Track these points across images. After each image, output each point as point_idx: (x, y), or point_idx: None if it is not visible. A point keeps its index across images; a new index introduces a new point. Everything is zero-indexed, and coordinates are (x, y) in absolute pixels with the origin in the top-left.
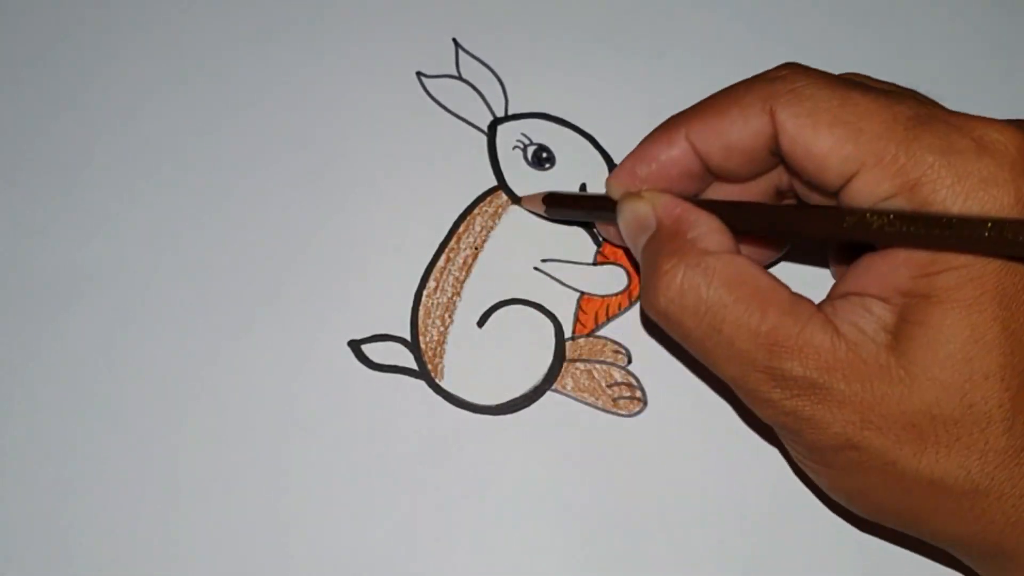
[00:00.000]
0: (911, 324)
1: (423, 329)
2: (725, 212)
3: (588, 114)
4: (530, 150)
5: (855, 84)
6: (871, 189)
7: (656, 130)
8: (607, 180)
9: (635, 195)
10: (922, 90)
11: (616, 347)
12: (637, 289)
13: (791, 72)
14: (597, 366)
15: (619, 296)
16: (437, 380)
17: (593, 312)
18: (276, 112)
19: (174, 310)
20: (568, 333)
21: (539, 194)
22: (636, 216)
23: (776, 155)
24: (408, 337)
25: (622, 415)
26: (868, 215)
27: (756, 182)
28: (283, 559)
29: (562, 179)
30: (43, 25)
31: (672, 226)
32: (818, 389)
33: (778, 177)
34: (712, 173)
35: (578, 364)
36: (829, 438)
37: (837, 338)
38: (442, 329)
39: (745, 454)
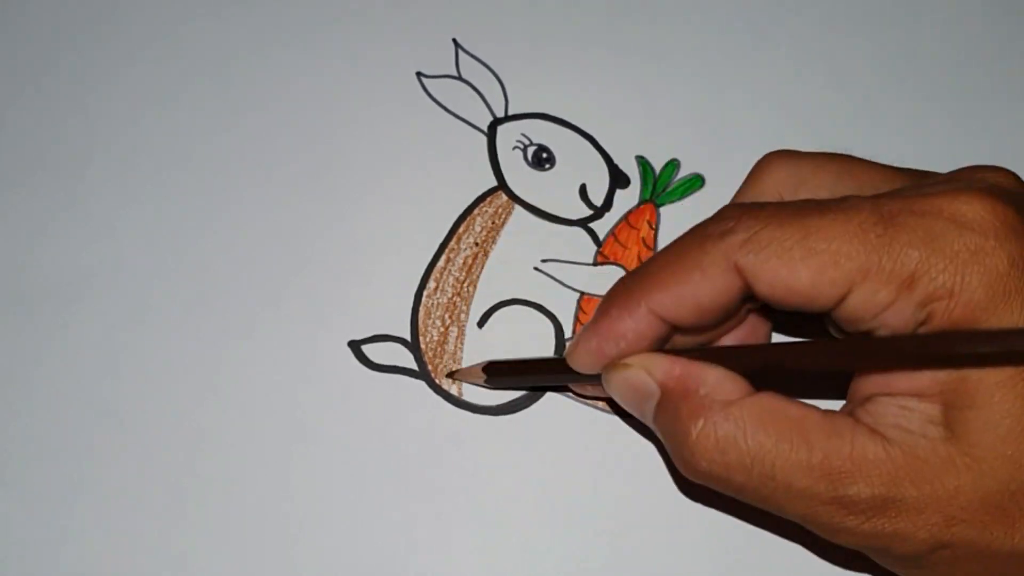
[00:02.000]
0: (960, 410)
1: (423, 329)
2: (725, 359)
3: (588, 114)
4: (530, 150)
5: (805, 207)
6: (869, 302)
7: (612, 304)
8: (568, 357)
9: (621, 364)
10: (923, 90)
11: None
12: None
13: (738, 220)
14: None
15: None
16: (437, 380)
17: (593, 312)
18: (276, 112)
19: (174, 310)
20: (568, 333)
21: (477, 366)
22: (632, 385)
23: (748, 299)
24: (408, 337)
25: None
26: (900, 341)
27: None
28: (283, 559)
29: (562, 179)
30: (46, 28)
31: (679, 387)
32: (891, 503)
33: (745, 309)
34: (679, 331)
35: None
36: (918, 545)
37: (889, 446)
38: (442, 329)
39: None
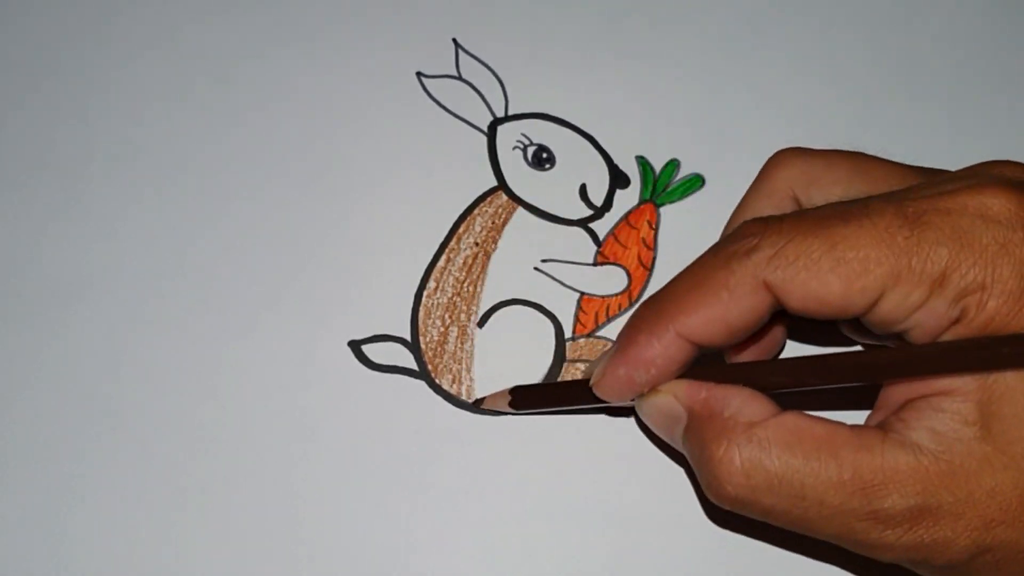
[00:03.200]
0: (995, 407)
1: (423, 329)
2: (753, 377)
3: (588, 114)
4: (530, 150)
5: (827, 215)
6: (902, 304)
7: (638, 331)
8: (597, 387)
9: (651, 392)
10: (923, 90)
11: None
12: (637, 289)
13: (761, 235)
14: None
15: (619, 296)
16: (437, 380)
17: (593, 312)
18: (276, 113)
19: (174, 310)
20: (568, 333)
21: (503, 392)
22: (662, 412)
23: (780, 313)
24: (408, 337)
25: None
26: (936, 349)
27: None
28: (283, 558)
29: (562, 179)
30: (47, 28)
31: (705, 410)
32: (928, 511)
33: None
34: (710, 349)
35: (578, 364)
36: (959, 553)
37: (920, 453)
38: (442, 329)
39: None
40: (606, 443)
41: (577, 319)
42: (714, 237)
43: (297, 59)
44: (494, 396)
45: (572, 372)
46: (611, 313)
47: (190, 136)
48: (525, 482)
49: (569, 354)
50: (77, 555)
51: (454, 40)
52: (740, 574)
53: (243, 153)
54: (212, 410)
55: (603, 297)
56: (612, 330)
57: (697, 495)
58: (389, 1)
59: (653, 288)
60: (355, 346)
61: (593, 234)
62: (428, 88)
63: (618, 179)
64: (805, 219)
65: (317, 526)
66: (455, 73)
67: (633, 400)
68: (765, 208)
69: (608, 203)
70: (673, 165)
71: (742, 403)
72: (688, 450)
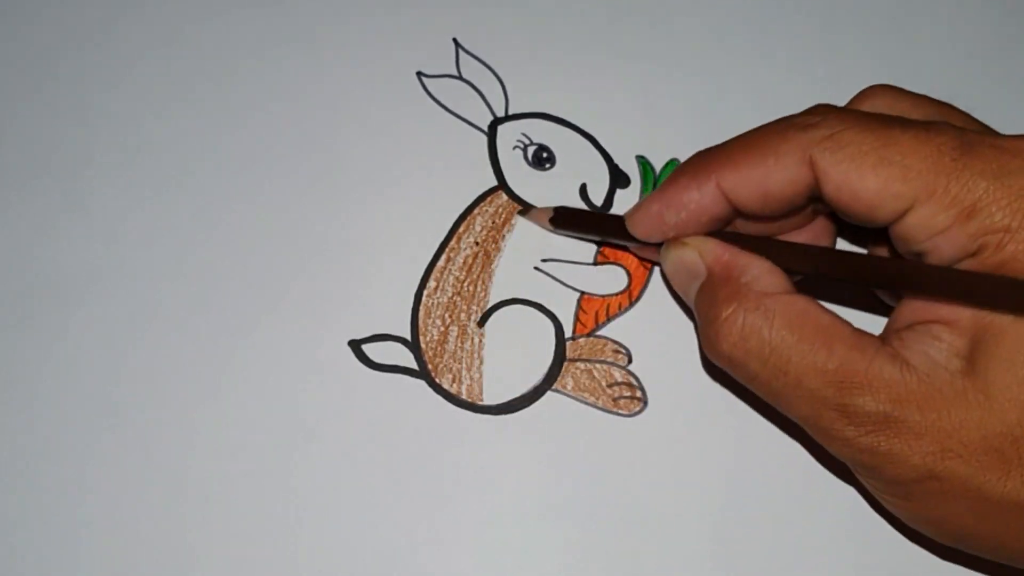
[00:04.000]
0: (986, 345)
1: (423, 329)
2: (775, 253)
3: (588, 114)
4: (530, 150)
5: (892, 120)
6: (926, 223)
7: (682, 174)
8: (628, 219)
9: (679, 242)
10: (923, 90)
11: (616, 347)
12: (637, 289)
13: (825, 117)
14: (597, 366)
15: (619, 296)
16: (437, 380)
17: (593, 312)
18: (276, 112)
19: (175, 310)
20: (568, 333)
21: (546, 209)
22: (684, 264)
23: (815, 198)
24: (408, 337)
25: (622, 415)
26: (956, 274)
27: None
28: (282, 558)
29: (562, 179)
30: (48, 28)
31: (724, 272)
32: (893, 422)
33: (811, 207)
34: (742, 216)
35: (578, 364)
36: (909, 470)
37: (907, 369)
38: (442, 328)
39: (746, 454)
40: (606, 443)
41: (577, 318)
42: None
43: (297, 59)
44: (538, 211)
45: (572, 372)
46: (611, 312)
47: (190, 136)
48: (525, 482)
49: (569, 353)
50: (78, 554)
51: (454, 40)
52: (740, 572)
53: (243, 153)
54: (212, 409)
55: (603, 296)
56: (612, 330)
57: (701, 358)
58: (389, 1)
59: (653, 288)
60: (355, 346)
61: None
62: (428, 88)
63: (618, 179)
64: (871, 117)
65: (317, 525)
66: (455, 73)
67: (662, 248)
68: None
69: (608, 203)
70: (673, 165)
71: (760, 273)
72: (698, 306)
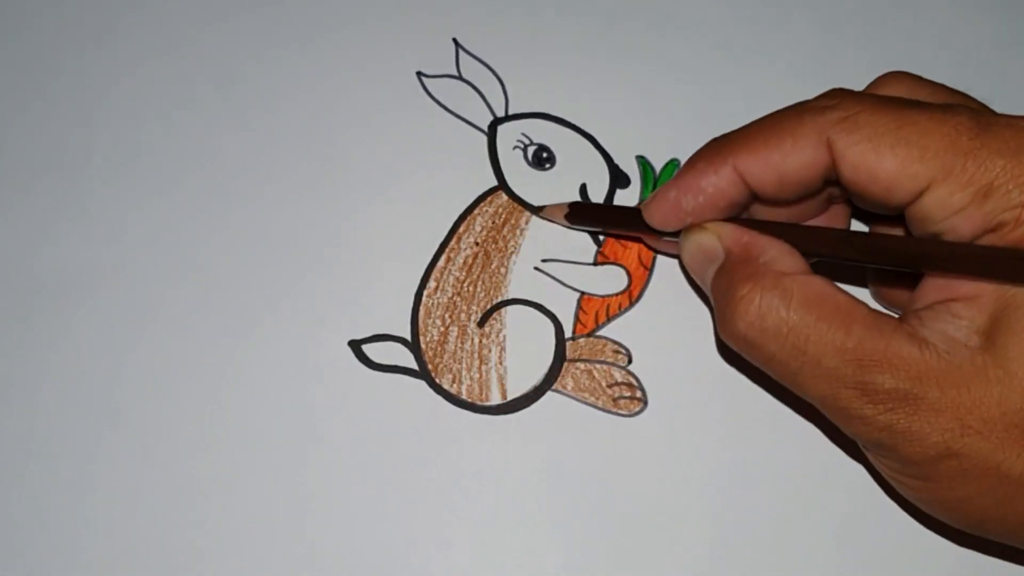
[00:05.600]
0: (1006, 321)
1: (423, 329)
2: (793, 236)
3: (588, 114)
4: (530, 150)
5: (908, 102)
6: (943, 202)
7: (699, 159)
8: (645, 209)
9: (698, 227)
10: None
11: (616, 347)
12: (637, 289)
13: (842, 100)
14: (597, 366)
15: (619, 296)
16: (437, 380)
17: (593, 312)
18: (276, 112)
19: (175, 310)
20: (568, 333)
21: (562, 205)
22: (702, 248)
23: (831, 181)
24: (408, 337)
25: (622, 415)
26: (973, 249)
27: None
28: (283, 557)
29: (562, 179)
30: (49, 28)
31: (742, 253)
32: (912, 399)
33: (827, 193)
34: (759, 200)
35: (578, 364)
36: (927, 448)
37: (926, 347)
38: (442, 329)
39: (746, 454)
40: (606, 443)
41: (577, 319)
42: None
43: (297, 59)
44: (553, 206)
45: (573, 372)
46: (611, 313)
47: (191, 136)
48: (525, 482)
49: (569, 354)
50: (79, 554)
51: (454, 40)
52: (740, 572)
53: (243, 153)
54: (213, 409)
55: (603, 297)
56: (612, 330)
57: (717, 344)
58: (389, 1)
59: (653, 288)
60: (355, 346)
61: (594, 234)
62: (428, 88)
63: (618, 179)
64: (888, 99)
65: (317, 525)
66: (455, 73)
67: (680, 234)
68: None
69: (608, 203)
70: (673, 165)
71: (778, 254)
72: (715, 288)
